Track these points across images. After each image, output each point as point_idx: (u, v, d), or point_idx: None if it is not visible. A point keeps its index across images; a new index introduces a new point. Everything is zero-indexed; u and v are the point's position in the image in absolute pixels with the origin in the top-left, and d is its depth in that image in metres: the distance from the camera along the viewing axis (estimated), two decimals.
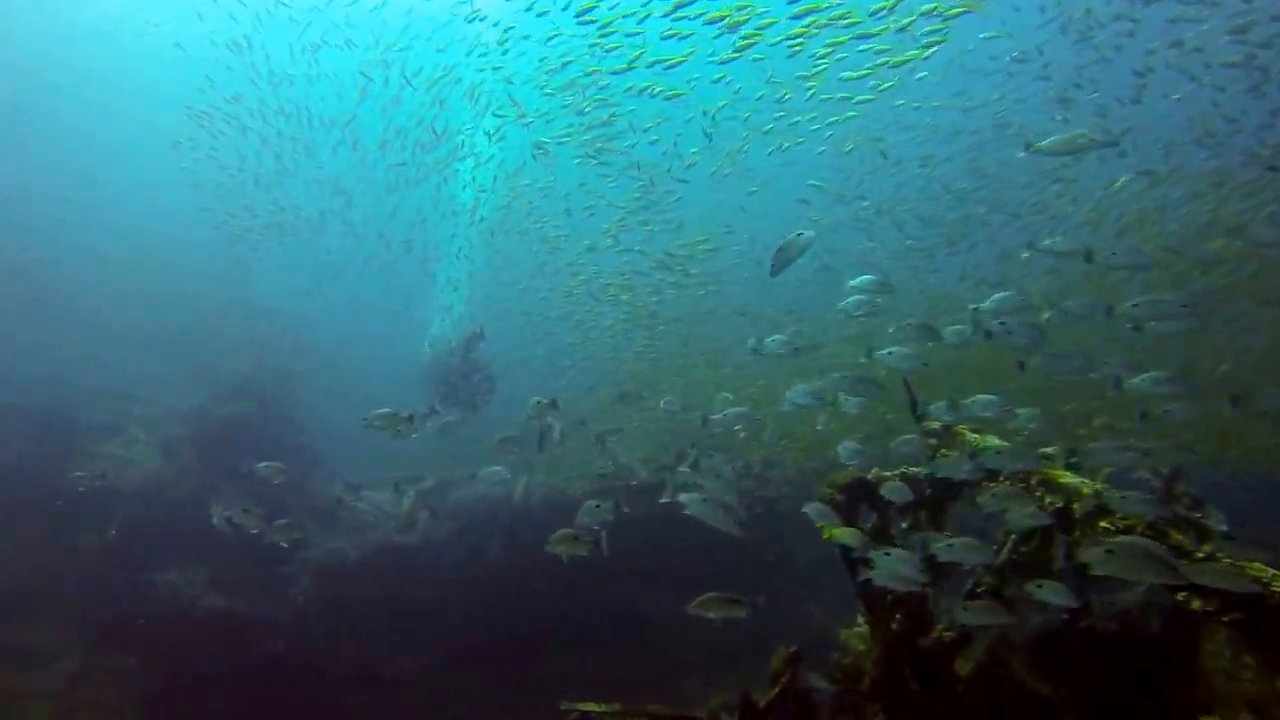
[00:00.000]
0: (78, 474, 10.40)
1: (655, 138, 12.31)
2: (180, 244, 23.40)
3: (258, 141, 18.06)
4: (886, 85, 10.74)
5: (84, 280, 24.34)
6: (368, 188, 19.60)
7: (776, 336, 6.25)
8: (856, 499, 5.16)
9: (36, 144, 25.34)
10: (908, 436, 5.56)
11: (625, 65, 11.54)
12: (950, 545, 4.48)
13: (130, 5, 21.59)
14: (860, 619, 7.03)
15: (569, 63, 12.46)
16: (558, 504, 12.09)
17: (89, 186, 26.44)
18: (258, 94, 17.54)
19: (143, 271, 24.48)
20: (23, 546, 12.96)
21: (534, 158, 13.22)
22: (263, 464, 8.20)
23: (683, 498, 4.91)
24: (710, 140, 11.49)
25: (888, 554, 4.49)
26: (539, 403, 8.11)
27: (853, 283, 6.48)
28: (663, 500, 5.19)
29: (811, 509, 5.10)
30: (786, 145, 12.10)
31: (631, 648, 11.98)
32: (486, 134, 14.54)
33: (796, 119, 11.45)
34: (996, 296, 6.12)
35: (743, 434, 8.44)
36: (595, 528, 6.38)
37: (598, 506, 6.22)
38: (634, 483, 11.56)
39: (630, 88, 11.48)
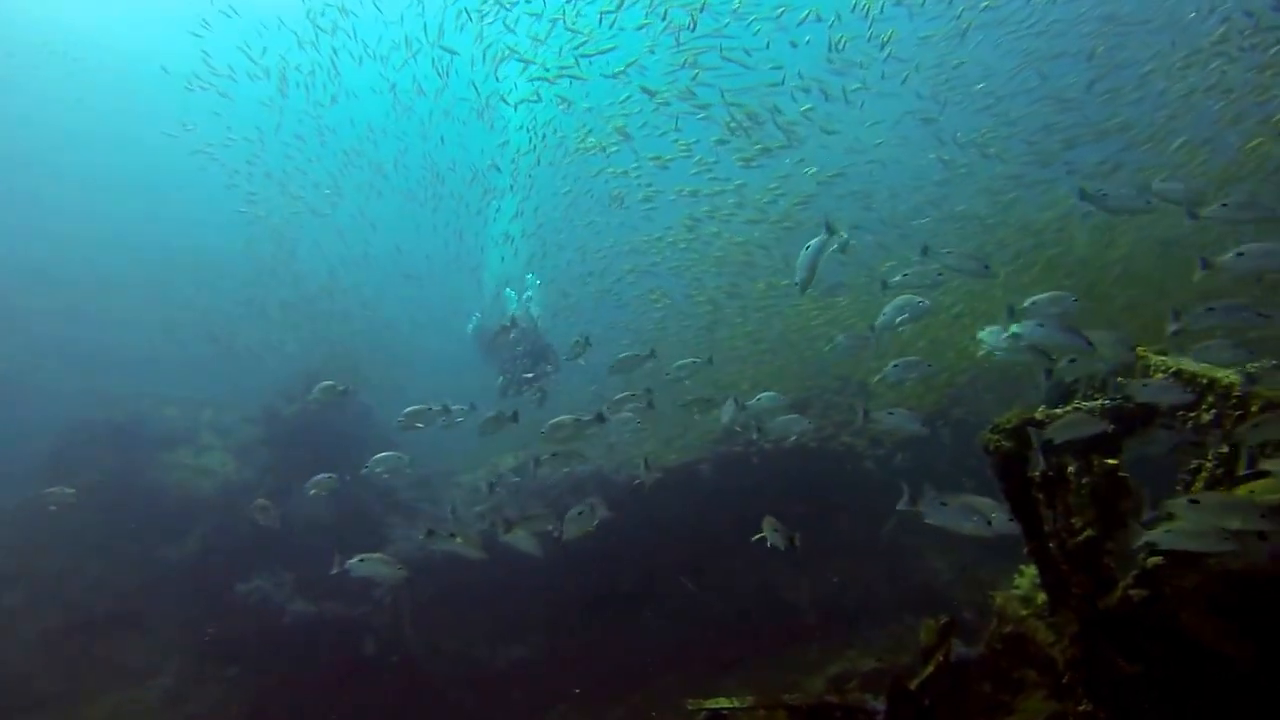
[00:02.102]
0: (48, 490, 10.31)
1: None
2: (215, 229, 23.11)
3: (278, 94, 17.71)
4: None
5: (135, 283, 24.84)
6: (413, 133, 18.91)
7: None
8: (1028, 444, 4.44)
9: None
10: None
11: None
12: None
13: None
14: (1018, 579, 6.38)
15: None
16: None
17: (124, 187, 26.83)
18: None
19: (183, 267, 24.76)
20: (116, 563, 13.22)
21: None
22: (314, 479, 8.03)
23: (923, 508, 4.27)
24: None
25: (1196, 501, 3.50)
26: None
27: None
28: (899, 507, 4.62)
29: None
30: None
31: (742, 619, 11.52)
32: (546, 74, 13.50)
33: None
34: None
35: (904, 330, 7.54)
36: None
37: (580, 514, 6.31)
38: (755, 444, 10.92)
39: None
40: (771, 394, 7.51)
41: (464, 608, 11.90)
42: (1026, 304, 5.20)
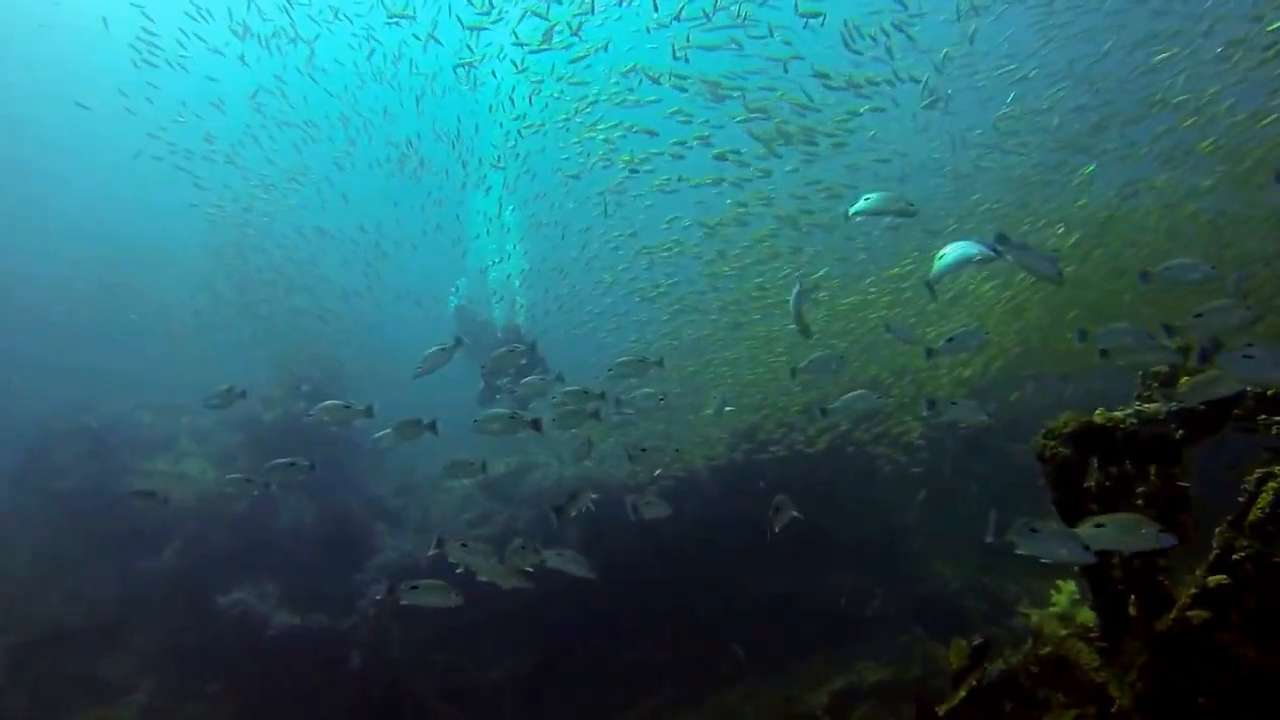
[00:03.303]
0: None
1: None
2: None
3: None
4: None
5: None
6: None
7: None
8: (1086, 451, 3.98)
9: None
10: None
11: None
12: None
13: None
14: (1055, 595, 5.94)
15: None
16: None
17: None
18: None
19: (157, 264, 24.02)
20: (91, 575, 12.76)
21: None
22: (228, 478, 7.39)
23: (1016, 537, 3.79)
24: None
25: None
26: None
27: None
28: (987, 539, 4.15)
29: None
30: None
31: (745, 630, 11.08)
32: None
33: None
34: None
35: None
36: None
37: (524, 548, 5.82)
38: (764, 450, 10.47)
39: None
40: (823, 354, 6.78)
41: (453, 620, 11.42)
42: (1160, 269, 4.67)
